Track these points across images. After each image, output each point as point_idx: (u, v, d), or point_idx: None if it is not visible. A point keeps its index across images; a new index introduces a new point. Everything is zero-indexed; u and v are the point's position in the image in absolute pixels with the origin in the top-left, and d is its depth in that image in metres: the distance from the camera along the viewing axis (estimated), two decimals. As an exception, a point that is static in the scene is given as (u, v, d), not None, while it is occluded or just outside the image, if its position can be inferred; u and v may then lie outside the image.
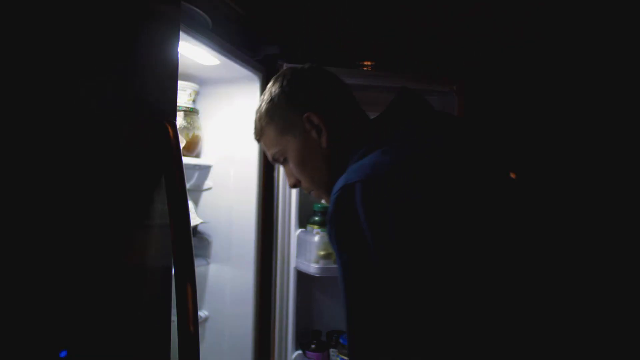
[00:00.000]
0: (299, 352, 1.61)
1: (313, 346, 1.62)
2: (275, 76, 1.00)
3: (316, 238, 1.54)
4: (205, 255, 1.63)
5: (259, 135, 0.99)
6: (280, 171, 1.59)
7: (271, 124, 0.95)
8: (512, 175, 0.80)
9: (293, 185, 0.99)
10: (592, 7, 1.54)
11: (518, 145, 2.06)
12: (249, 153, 1.57)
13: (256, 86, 1.55)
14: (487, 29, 1.76)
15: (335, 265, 1.52)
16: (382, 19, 1.71)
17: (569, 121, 2.02)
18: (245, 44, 1.48)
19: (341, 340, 1.61)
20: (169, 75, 0.78)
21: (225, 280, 1.60)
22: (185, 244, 0.72)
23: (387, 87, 1.63)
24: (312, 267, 1.52)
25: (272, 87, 0.97)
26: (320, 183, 0.93)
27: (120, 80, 0.68)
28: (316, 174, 0.92)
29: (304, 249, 1.55)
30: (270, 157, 0.99)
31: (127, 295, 0.69)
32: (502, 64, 2.07)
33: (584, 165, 1.96)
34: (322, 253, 1.53)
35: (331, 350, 1.64)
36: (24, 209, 0.52)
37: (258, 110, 0.98)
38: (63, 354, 0.56)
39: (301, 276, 1.58)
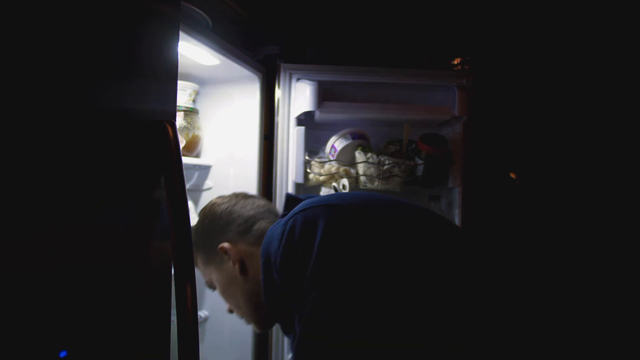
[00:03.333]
0: None
1: None
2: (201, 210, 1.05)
3: None
4: (205, 255, 1.63)
5: (195, 263, 1.04)
6: (279, 171, 1.59)
7: (197, 254, 0.99)
8: (513, 176, 0.80)
9: (229, 311, 1.02)
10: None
11: (523, 143, 2.04)
12: (249, 153, 1.57)
13: (256, 86, 1.55)
14: (496, 25, 1.76)
15: None
16: (382, 16, 1.71)
17: (572, 121, 2.02)
18: (245, 44, 1.48)
19: None
20: (169, 75, 0.78)
21: (225, 280, 1.60)
22: (185, 244, 0.72)
23: (388, 84, 1.62)
24: None
25: (198, 220, 1.02)
26: (245, 310, 0.96)
27: (120, 80, 0.68)
28: (239, 303, 0.95)
29: None
30: (205, 284, 1.03)
31: (127, 295, 0.69)
32: (512, 59, 2.04)
33: (590, 169, 1.96)
34: None
35: None
36: (23, 209, 0.52)
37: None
38: (63, 354, 0.56)
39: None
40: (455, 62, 1.82)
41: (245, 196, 1.02)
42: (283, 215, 0.88)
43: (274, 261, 0.75)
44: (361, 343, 0.63)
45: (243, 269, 0.91)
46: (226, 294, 0.97)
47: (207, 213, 0.99)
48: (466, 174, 1.58)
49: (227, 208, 0.97)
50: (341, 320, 0.64)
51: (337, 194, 0.89)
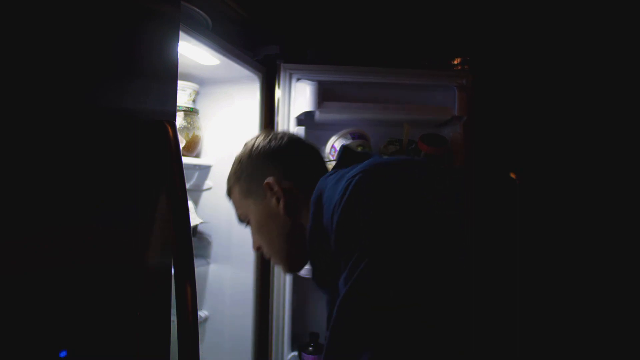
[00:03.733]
0: (294, 353, 1.60)
1: (311, 348, 1.61)
2: (247, 141, 1.01)
3: None
4: (205, 255, 1.63)
5: (229, 193, 1.01)
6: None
7: (237, 185, 0.96)
8: (513, 176, 0.80)
9: (256, 249, 0.99)
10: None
11: (523, 143, 2.04)
12: (249, 153, 1.57)
13: (256, 86, 1.55)
14: (496, 23, 1.76)
15: None
16: (382, 16, 1.71)
17: (572, 120, 2.02)
18: (245, 44, 1.48)
19: None
20: (169, 75, 0.78)
21: (225, 280, 1.60)
22: (185, 244, 0.72)
23: (389, 84, 1.62)
24: (304, 269, 1.50)
25: (242, 150, 0.99)
26: (277, 250, 0.94)
27: (120, 79, 0.68)
28: (274, 241, 0.93)
29: None
30: (237, 217, 1.00)
31: (127, 295, 0.69)
32: (512, 59, 2.04)
33: (590, 171, 1.96)
34: None
35: None
36: (23, 209, 0.52)
37: (230, 169, 1.01)
38: (63, 354, 0.56)
39: (298, 278, 1.57)
40: (455, 62, 1.82)
41: (298, 139, 0.99)
42: (336, 167, 0.85)
43: (331, 216, 0.71)
44: (406, 306, 0.63)
45: (289, 209, 0.88)
46: (261, 231, 0.94)
47: (257, 145, 0.96)
48: (466, 174, 1.58)
49: (278, 145, 0.94)
50: (392, 284, 0.63)
51: (402, 160, 0.85)
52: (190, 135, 1.49)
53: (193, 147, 1.51)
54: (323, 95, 1.58)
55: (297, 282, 1.60)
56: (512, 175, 1.77)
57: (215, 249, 1.63)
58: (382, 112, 1.61)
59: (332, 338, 0.66)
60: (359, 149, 1.58)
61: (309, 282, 1.69)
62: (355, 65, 1.59)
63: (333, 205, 0.71)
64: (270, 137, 0.97)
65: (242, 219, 0.98)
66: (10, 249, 0.51)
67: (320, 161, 0.97)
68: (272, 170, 0.91)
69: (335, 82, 1.60)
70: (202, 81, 1.59)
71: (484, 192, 0.70)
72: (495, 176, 0.78)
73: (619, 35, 1.76)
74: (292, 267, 0.96)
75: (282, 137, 0.97)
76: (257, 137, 0.98)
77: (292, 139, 0.98)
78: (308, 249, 0.82)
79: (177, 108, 1.38)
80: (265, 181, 0.89)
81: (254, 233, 0.96)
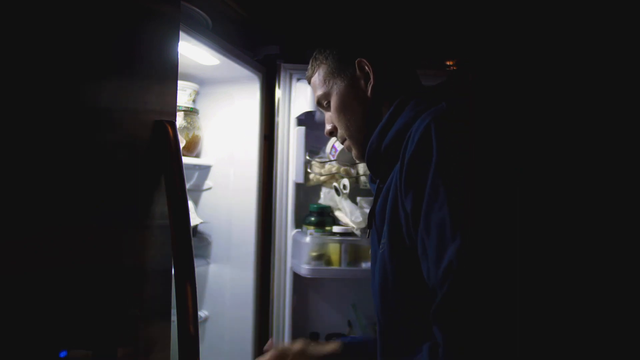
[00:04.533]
0: None
1: None
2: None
3: (307, 239, 1.52)
4: (205, 255, 1.63)
5: (311, 74, 0.99)
6: (279, 171, 1.58)
7: (324, 64, 0.94)
8: (512, 176, 0.80)
9: (329, 133, 0.98)
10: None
11: (524, 143, 2.04)
12: (249, 153, 1.57)
13: (256, 86, 1.55)
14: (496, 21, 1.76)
15: (325, 267, 1.52)
16: (382, 16, 1.71)
17: (572, 120, 2.02)
18: (245, 44, 1.48)
19: None
20: (169, 75, 0.78)
21: (225, 281, 1.60)
22: (185, 244, 0.71)
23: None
24: (303, 269, 1.50)
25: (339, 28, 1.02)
26: (354, 132, 0.91)
27: (120, 80, 0.68)
28: (353, 122, 0.91)
29: (298, 250, 1.54)
30: (315, 100, 0.98)
31: (127, 295, 0.69)
32: (512, 60, 2.04)
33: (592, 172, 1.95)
34: (313, 254, 1.51)
35: None
36: (23, 209, 0.52)
37: (316, 50, 0.99)
38: (63, 354, 0.56)
39: (298, 278, 1.57)
40: (455, 62, 1.82)
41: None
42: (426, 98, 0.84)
43: (405, 146, 0.72)
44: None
45: (376, 91, 0.87)
46: (342, 111, 0.91)
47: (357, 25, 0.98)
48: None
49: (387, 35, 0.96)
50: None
51: None
52: (190, 135, 1.49)
53: (193, 147, 1.51)
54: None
55: (297, 282, 1.60)
56: (512, 176, 1.76)
57: (215, 249, 1.63)
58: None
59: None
60: None
61: (309, 281, 1.70)
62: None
63: (414, 126, 0.73)
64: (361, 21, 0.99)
65: (321, 100, 0.96)
66: (10, 249, 0.51)
67: (414, 72, 0.96)
68: (368, 52, 0.90)
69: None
70: (202, 81, 1.59)
71: (484, 192, 0.70)
72: (495, 176, 0.77)
73: (618, 35, 1.76)
74: (363, 154, 0.93)
75: (372, 22, 1.00)
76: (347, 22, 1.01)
77: (380, 24, 1.03)
78: (366, 159, 0.85)
79: (177, 108, 1.38)
80: (357, 59, 0.88)
81: (332, 114, 0.94)
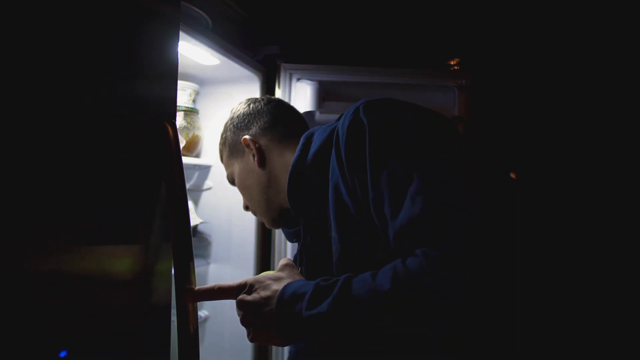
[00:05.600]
0: None
1: None
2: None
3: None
4: (205, 255, 1.63)
5: (220, 157, 1.06)
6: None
7: (224, 147, 1.02)
8: (513, 176, 0.80)
9: (245, 208, 1.04)
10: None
11: (523, 142, 2.04)
12: (249, 153, 1.57)
13: (256, 86, 1.55)
14: (497, 20, 1.76)
15: None
16: (383, 16, 1.71)
17: (572, 120, 2.02)
18: (245, 44, 1.48)
19: None
20: (169, 75, 0.78)
21: (225, 281, 1.59)
22: (185, 244, 0.72)
23: (389, 84, 1.62)
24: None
25: (228, 117, 1.04)
26: (258, 204, 0.98)
27: (120, 80, 0.68)
28: (254, 196, 0.97)
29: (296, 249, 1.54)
30: (227, 178, 1.05)
31: (127, 295, 0.69)
32: (512, 59, 2.04)
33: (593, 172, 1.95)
34: None
35: None
36: (23, 209, 0.52)
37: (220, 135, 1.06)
38: (63, 354, 0.56)
39: (300, 276, 1.57)
40: (455, 62, 1.82)
41: (278, 100, 1.05)
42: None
43: (336, 141, 0.72)
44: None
45: (262, 162, 0.93)
46: (243, 186, 0.99)
47: (238, 109, 1.02)
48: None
49: (256, 107, 1.00)
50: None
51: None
52: (190, 135, 1.48)
53: (193, 147, 1.51)
54: (323, 96, 1.58)
55: (297, 282, 1.60)
56: (512, 176, 1.76)
57: (215, 249, 1.63)
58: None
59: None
60: None
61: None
62: (356, 66, 1.59)
63: (337, 125, 0.73)
64: (250, 101, 1.03)
65: (229, 179, 1.03)
66: (11, 249, 0.51)
67: (301, 120, 1.02)
68: (251, 130, 0.97)
69: (335, 82, 1.60)
70: (202, 81, 1.59)
71: (485, 192, 0.70)
72: (495, 176, 0.77)
73: (617, 34, 1.76)
74: (272, 222, 1.00)
75: (261, 100, 1.02)
76: (240, 104, 1.04)
77: (271, 99, 1.03)
78: (287, 183, 0.83)
79: (177, 108, 1.38)
80: (242, 138, 0.95)
81: (240, 191, 1.01)
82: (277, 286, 0.68)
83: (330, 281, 0.62)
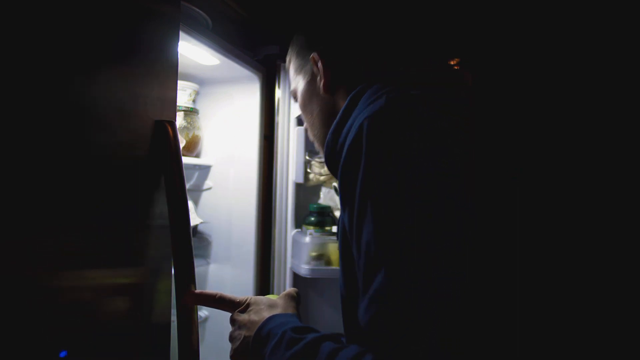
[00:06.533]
0: None
1: None
2: None
3: (307, 239, 1.52)
4: (205, 255, 1.63)
5: (287, 68, 0.94)
6: (279, 171, 1.58)
7: (292, 59, 0.90)
8: (513, 176, 0.79)
9: (305, 130, 0.92)
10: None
11: (525, 145, 2.03)
12: (249, 153, 1.57)
13: (256, 86, 1.55)
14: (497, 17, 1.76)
15: (325, 268, 1.52)
16: (383, 15, 1.70)
17: (572, 119, 2.02)
18: (245, 44, 1.48)
19: None
20: (169, 75, 0.78)
21: (225, 281, 1.60)
22: (185, 244, 0.72)
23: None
24: (303, 269, 1.50)
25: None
26: (315, 132, 0.86)
27: (120, 80, 0.68)
28: (314, 122, 0.85)
29: (298, 250, 1.54)
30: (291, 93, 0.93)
31: (127, 295, 0.69)
32: (512, 58, 2.04)
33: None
34: (313, 254, 1.51)
35: None
36: (23, 209, 0.52)
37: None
38: (63, 354, 0.56)
39: (298, 278, 1.57)
40: (455, 62, 1.82)
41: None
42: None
43: (342, 144, 0.64)
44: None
45: (327, 88, 0.80)
46: (304, 110, 0.88)
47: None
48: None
49: (343, 14, 0.87)
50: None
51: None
52: (190, 135, 1.48)
53: (193, 147, 1.51)
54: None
55: (297, 282, 1.60)
56: (513, 176, 1.76)
57: (215, 249, 1.63)
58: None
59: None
60: None
61: (310, 281, 1.70)
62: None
63: (350, 132, 0.61)
64: (327, 6, 0.90)
65: (293, 95, 0.92)
66: (11, 249, 0.51)
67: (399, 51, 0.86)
68: (319, 45, 0.83)
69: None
70: (202, 81, 1.59)
71: (487, 192, 0.69)
72: (494, 175, 0.76)
73: (617, 34, 1.75)
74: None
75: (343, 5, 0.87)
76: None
77: (354, 7, 0.88)
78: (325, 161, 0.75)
79: (177, 108, 1.38)
80: (311, 55, 0.82)
81: (300, 111, 0.90)
82: (267, 313, 0.70)
83: (299, 335, 0.61)
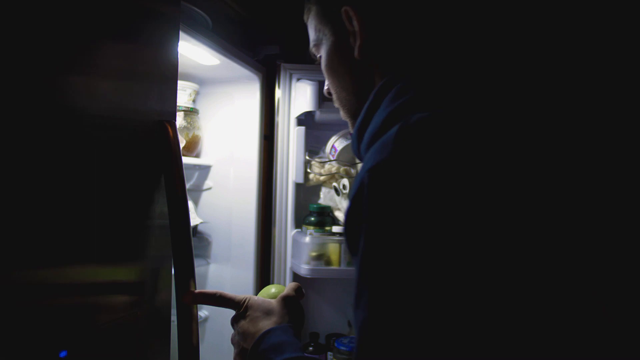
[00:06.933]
0: None
1: (311, 348, 1.61)
2: None
3: (307, 239, 1.52)
4: (205, 255, 1.63)
5: (305, 16, 0.77)
6: (278, 170, 1.58)
7: (314, 7, 0.73)
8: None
9: (327, 93, 0.78)
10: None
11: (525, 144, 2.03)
12: (249, 153, 1.57)
13: (256, 86, 1.55)
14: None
15: (324, 267, 1.51)
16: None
17: (572, 119, 2.01)
18: (245, 44, 1.48)
19: (336, 344, 1.59)
20: (169, 75, 0.78)
21: (225, 281, 1.60)
22: (185, 244, 0.72)
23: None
24: (303, 269, 1.50)
25: None
26: (342, 97, 0.73)
27: (120, 79, 0.68)
28: (341, 85, 0.72)
29: (298, 250, 1.54)
30: (310, 45, 0.77)
31: (127, 295, 0.69)
32: (512, 57, 2.03)
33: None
34: (313, 254, 1.51)
35: (329, 353, 1.63)
36: (24, 210, 0.52)
37: None
38: (63, 354, 0.56)
39: (298, 278, 1.57)
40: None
41: None
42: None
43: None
44: None
45: (365, 52, 0.64)
46: (330, 70, 0.73)
47: None
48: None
49: None
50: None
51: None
52: (190, 135, 1.49)
53: (193, 147, 1.51)
54: (324, 95, 1.58)
55: (297, 282, 1.60)
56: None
57: (215, 249, 1.63)
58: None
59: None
60: None
61: (310, 281, 1.69)
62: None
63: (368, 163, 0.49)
64: None
65: (313, 49, 0.76)
66: (10, 249, 0.51)
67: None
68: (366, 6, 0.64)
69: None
70: (202, 81, 1.59)
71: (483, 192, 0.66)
72: (495, 175, 0.75)
73: (616, 33, 1.75)
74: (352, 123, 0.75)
75: None
76: None
77: None
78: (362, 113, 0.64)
79: (177, 108, 1.38)
80: (344, 7, 0.64)
81: (323, 69, 0.75)
82: (263, 324, 0.70)
83: None
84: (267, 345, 0.66)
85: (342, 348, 1.55)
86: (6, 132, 0.50)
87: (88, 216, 0.61)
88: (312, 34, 0.75)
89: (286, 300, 0.75)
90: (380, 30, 0.64)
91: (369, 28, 0.64)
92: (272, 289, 0.80)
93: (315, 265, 1.50)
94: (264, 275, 1.57)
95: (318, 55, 0.76)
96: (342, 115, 0.76)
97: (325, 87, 0.78)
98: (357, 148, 0.67)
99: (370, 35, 0.64)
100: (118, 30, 0.67)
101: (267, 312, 0.72)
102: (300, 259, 1.52)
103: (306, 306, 1.74)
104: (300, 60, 1.60)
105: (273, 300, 0.75)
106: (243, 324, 0.72)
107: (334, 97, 0.76)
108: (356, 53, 0.65)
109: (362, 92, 0.67)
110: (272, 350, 0.65)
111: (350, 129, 0.74)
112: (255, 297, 0.75)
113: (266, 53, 1.56)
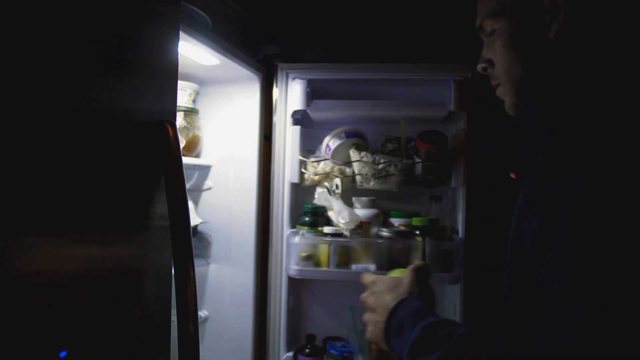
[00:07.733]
0: (289, 354, 1.58)
1: (307, 350, 1.59)
2: None
3: (296, 239, 1.50)
4: (205, 255, 1.63)
5: None
6: (276, 171, 1.58)
7: None
8: (512, 176, 0.78)
9: (482, 70, 0.74)
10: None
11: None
12: (249, 153, 1.57)
13: (256, 86, 1.55)
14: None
15: (314, 269, 1.48)
16: (382, 14, 1.70)
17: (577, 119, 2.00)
18: (245, 44, 1.48)
19: (328, 348, 1.58)
20: (169, 75, 0.78)
21: (225, 281, 1.60)
22: (185, 244, 0.72)
23: (386, 80, 1.60)
24: (292, 269, 1.49)
25: None
26: (514, 79, 0.69)
27: (120, 80, 0.68)
28: (517, 67, 0.68)
29: (289, 250, 1.53)
30: (477, 22, 0.72)
31: (127, 295, 0.69)
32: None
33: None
34: (303, 255, 1.49)
35: (325, 356, 1.61)
36: (23, 209, 0.52)
37: None
38: (63, 354, 0.56)
39: (294, 279, 1.56)
40: (454, 59, 1.80)
41: None
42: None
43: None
44: None
45: (564, 39, 0.63)
46: (510, 47, 0.68)
47: None
48: (471, 173, 1.52)
49: None
50: None
51: None
52: (190, 135, 1.49)
53: (193, 147, 1.51)
54: (317, 94, 1.57)
55: (293, 284, 1.59)
56: (513, 176, 1.75)
57: (215, 249, 1.63)
58: (372, 109, 1.56)
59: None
60: (354, 147, 1.54)
61: (305, 283, 1.69)
62: (353, 63, 1.57)
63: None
64: None
65: (485, 26, 0.71)
66: (11, 249, 0.51)
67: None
68: None
69: (328, 80, 1.58)
70: (202, 81, 1.59)
71: (490, 193, 0.66)
72: (500, 176, 0.74)
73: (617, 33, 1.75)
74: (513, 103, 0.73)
75: None
76: None
77: None
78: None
79: (177, 108, 1.38)
80: None
81: (496, 44, 0.70)
82: (390, 297, 0.72)
83: (442, 331, 0.60)
84: (404, 314, 0.67)
85: (334, 352, 1.55)
86: (6, 132, 0.50)
87: (88, 216, 0.61)
88: (490, 4, 0.70)
89: (418, 271, 0.76)
90: (580, 16, 0.64)
91: (574, 9, 0.63)
92: (396, 272, 0.82)
93: (304, 266, 1.48)
94: (263, 275, 1.57)
95: (488, 28, 0.71)
96: (501, 92, 0.73)
97: (481, 64, 0.74)
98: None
99: (575, 16, 0.63)
100: (118, 30, 0.67)
101: (394, 285, 0.74)
102: (290, 260, 1.50)
103: (299, 307, 1.74)
104: (298, 59, 1.59)
105: (400, 273, 0.78)
106: (371, 300, 0.74)
107: (500, 75, 0.72)
108: (554, 31, 0.64)
109: (542, 75, 0.67)
110: (412, 317, 0.66)
111: (509, 110, 0.74)
112: (381, 276, 0.79)
113: (266, 53, 1.56)
